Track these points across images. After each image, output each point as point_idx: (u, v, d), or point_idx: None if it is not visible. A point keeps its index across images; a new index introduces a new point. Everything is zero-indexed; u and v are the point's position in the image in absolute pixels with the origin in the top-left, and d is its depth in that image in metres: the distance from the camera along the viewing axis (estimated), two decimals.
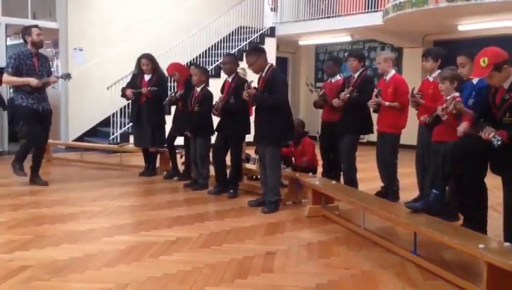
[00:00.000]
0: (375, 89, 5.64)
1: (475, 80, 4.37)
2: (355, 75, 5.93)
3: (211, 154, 6.27)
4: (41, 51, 6.35)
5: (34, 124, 6.10)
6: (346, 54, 6.73)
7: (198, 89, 6.25)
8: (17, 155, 6.26)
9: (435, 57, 5.17)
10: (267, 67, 5.21)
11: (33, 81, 5.93)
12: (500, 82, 3.68)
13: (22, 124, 10.37)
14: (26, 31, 6.09)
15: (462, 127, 4.01)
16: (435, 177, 3.99)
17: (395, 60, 5.86)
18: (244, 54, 5.55)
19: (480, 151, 3.74)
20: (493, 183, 4.03)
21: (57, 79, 6.36)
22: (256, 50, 5.33)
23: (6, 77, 5.99)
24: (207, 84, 6.36)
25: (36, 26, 6.21)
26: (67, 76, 6.34)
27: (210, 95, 6.23)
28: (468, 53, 4.30)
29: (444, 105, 4.41)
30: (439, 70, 5.03)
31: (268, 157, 5.23)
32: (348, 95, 5.71)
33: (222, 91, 6.04)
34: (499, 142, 3.38)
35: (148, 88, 6.75)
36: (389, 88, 5.59)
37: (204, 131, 6.22)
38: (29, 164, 6.27)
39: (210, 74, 10.68)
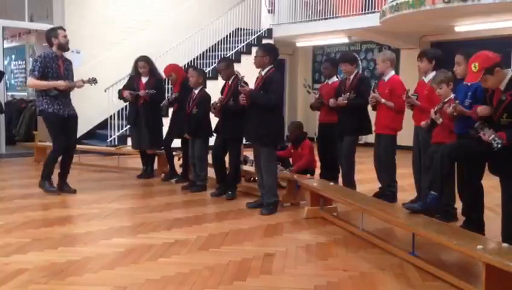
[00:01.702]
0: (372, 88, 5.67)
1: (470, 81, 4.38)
2: (351, 77, 5.94)
3: (209, 156, 6.28)
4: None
5: (59, 132, 5.84)
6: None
7: (196, 91, 6.25)
8: (42, 173, 5.97)
9: (430, 58, 5.16)
10: (267, 68, 5.22)
11: (61, 83, 5.72)
12: (494, 85, 3.69)
13: (19, 127, 10.33)
14: (52, 33, 5.86)
15: (484, 109, 3.80)
16: (433, 178, 3.99)
17: (394, 60, 5.84)
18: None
19: (478, 152, 3.75)
20: (490, 184, 4.04)
21: (83, 83, 6.02)
22: (265, 48, 5.39)
23: (32, 81, 5.74)
24: (204, 86, 6.35)
25: (61, 27, 6.04)
26: (93, 80, 6.08)
27: (208, 97, 6.23)
28: (465, 53, 4.31)
29: (436, 107, 4.41)
30: (434, 72, 5.05)
31: (263, 158, 5.23)
32: (346, 101, 5.72)
33: (222, 93, 6.04)
34: (499, 145, 3.39)
35: (146, 91, 6.74)
36: (386, 89, 5.59)
37: (203, 133, 6.22)
38: (57, 170, 6.08)
39: (208, 76, 10.65)
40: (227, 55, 11.22)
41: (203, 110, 6.12)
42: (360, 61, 8.93)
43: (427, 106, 4.89)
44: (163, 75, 7.13)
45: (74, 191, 6.05)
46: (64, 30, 5.99)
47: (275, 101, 5.12)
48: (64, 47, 5.92)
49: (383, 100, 5.51)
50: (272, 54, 5.26)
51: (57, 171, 6.07)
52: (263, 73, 5.24)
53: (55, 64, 5.80)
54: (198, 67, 10.13)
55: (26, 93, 12.88)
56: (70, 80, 5.96)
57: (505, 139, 3.42)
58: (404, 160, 5.93)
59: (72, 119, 6.02)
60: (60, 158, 6.05)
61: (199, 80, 6.24)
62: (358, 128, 5.92)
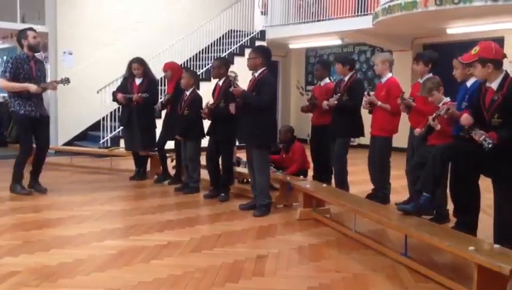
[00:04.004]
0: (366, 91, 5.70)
1: (469, 83, 4.40)
2: (346, 79, 5.96)
3: (201, 157, 6.27)
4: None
5: (27, 134, 5.90)
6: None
7: (188, 93, 6.25)
8: (13, 177, 5.99)
9: (426, 61, 5.16)
10: (260, 70, 5.21)
11: (32, 87, 5.72)
12: (480, 76, 3.76)
13: (10, 129, 10.25)
14: (21, 34, 5.87)
15: (465, 118, 3.81)
16: (425, 179, 4.00)
17: (393, 62, 5.87)
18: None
19: (470, 153, 3.76)
20: (483, 185, 4.05)
21: (57, 84, 6.03)
22: (257, 50, 5.40)
23: (3, 83, 5.74)
24: (197, 88, 6.35)
25: (31, 28, 5.99)
26: (66, 80, 6.04)
27: (199, 99, 6.22)
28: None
29: (434, 114, 4.43)
30: (430, 74, 5.07)
31: (256, 160, 5.23)
32: (336, 102, 5.75)
33: (213, 94, 6.04)
34: (490, 145, 3.41)
35: (139, 95, 6.71)
36: (383, 91, 5.61)
37: (194, 134, 6.21)
38: (29, 169, 6.13)
39: (201, 77, 10.67)
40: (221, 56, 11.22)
41: (195, 111, 6.12)
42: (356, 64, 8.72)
43: (423, 108, 4.91)
44: (157, 75, 7.10)
45: (45, 191, 6.09)
46: (34, 31, 5.97)
47: (266, 102, 5.12)
48: (34, 48, 5.90)
49: (379, 103, 5.53)
50: (265, 56, 5.25)
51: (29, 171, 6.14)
52: (256, 75, 5.24)
53: (27, 65, 5.81)
54: (192, 68, 10.15)
55: None
56: (43, 80, 5.98)
57: (496, 139, 3.44)
58: (398, 161, 5.95)
59: (44, 120, 6.08)
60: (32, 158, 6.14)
61: (190, 81, 6.24)
62: (350, 130, 5.93)
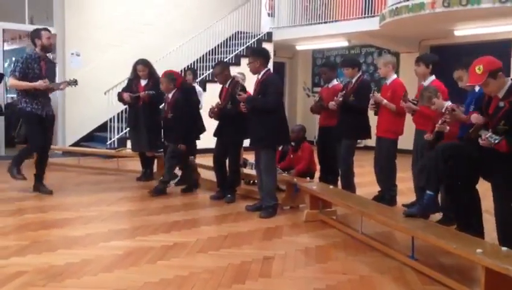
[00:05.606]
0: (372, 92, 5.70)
1: (477, 88, 4.38)
2: (353, 80, 5.97)
3: (202, 159, 6.29)
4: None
5: (36, 130, 5.93)
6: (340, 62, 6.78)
7: (170, 96, 6.27)
8: (14, 159, 6.06)
9: (427, 62, 5.18)
10: (263, 72, 5.22)
11: (40, 84, 5.76)
12: (494, 90, 3.66)
13: (19, 129, 10.30)
14: (35, 33, 5.92)
15: (475, 117, 3.79)
16: (429, 177, 3.97)
17: (395, 64, 5.87)
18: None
19: (471, 154, 3.74)
20: (485, 186, 4.02)
21: (67, 84, 6.11)
22: (254, 53, 5.39)
23: (13, 81, 5.83)
24: (195, 86, 6.36)
25: (46, 29, 6.02)
26: (74, 82, 6.12)
27: (179, 99, 6.24)
28: (463, 65, 4.35)
29: (441, 120, 4.42)
30: (433, 76, 5.07)
31: (263, 161, 5.23)
32: (341, 99, 5.76)
33: (220, 96, 6.05)
34: (496, 141, 3.39)
35: (146, 92, 6.75)
36: (388, 92, 5.60)
37: (174, 137, 6.26)
38: (33, 172, 6.15)
39: (207, 78, 10.72)
40: (227, 58, 11.23)
41: (178, 113, 6.16)
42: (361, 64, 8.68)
43: (427, 110, 4.89)
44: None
45: (50, 192, 6.07)
46: (49, 31, 6.02)
47: (272, 104, 5.12)
48: (47, 48, 5.97)
49: (384, 101, 5.52)
50: (261, 57, 5.25)
51: (33, 172, 6.16)
52: (259, 77, 5.25)
53: (37, 65, 5.86)
54: (198, 70, 10.17)
55: None
56: (52, 81, 6.02)
57: (505, 143, 3.41)
58: (403, 163, 5.93)
59: (50, 119, 6.10)
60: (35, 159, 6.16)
61: (170, 85, 6.25)
62: (356, 132, 5.92)
